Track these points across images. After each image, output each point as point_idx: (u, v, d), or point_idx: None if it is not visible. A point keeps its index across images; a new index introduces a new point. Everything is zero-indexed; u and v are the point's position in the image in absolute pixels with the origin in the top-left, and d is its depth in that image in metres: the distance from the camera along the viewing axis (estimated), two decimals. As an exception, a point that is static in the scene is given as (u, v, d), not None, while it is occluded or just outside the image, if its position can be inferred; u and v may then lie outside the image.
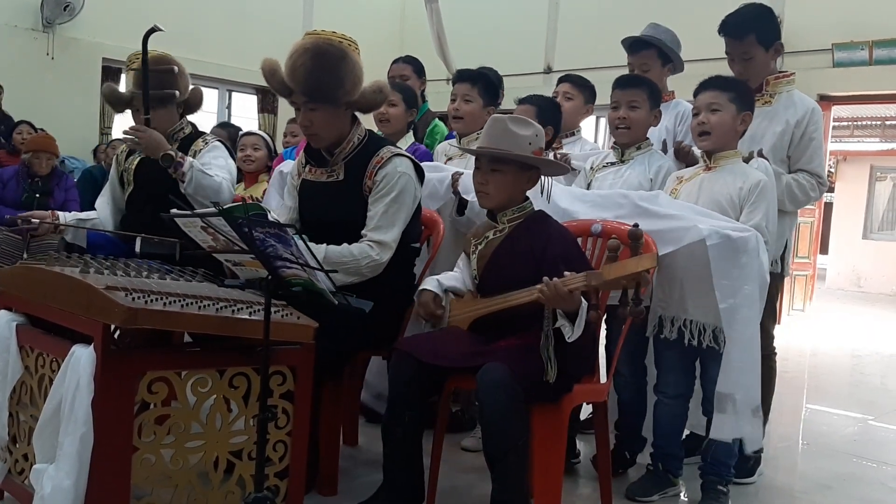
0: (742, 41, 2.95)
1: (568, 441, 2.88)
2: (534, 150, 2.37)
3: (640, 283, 2.11)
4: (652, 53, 3.27)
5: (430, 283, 2.52)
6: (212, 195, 2.85)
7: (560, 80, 3.72)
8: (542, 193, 2.49)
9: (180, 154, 2.88)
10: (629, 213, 2.56)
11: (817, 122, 2.97)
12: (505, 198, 2.43)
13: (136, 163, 3.05)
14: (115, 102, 3.09)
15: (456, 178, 2.98)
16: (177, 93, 2.92)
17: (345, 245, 2.49)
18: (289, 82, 2.52)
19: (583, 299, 2.17)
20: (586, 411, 3.34)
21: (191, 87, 3.17)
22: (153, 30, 2.81)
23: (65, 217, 3.04)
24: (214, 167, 2.96)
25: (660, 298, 2.69)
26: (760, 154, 2.81)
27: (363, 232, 2.54)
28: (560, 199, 2.70)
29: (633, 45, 3.31)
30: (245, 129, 4.99)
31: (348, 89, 2.52)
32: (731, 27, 2.97)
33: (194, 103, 3.19)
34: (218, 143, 3.09)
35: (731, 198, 2.63)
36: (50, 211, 3.08)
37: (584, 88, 3.65)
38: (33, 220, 2.90)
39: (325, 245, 2.46)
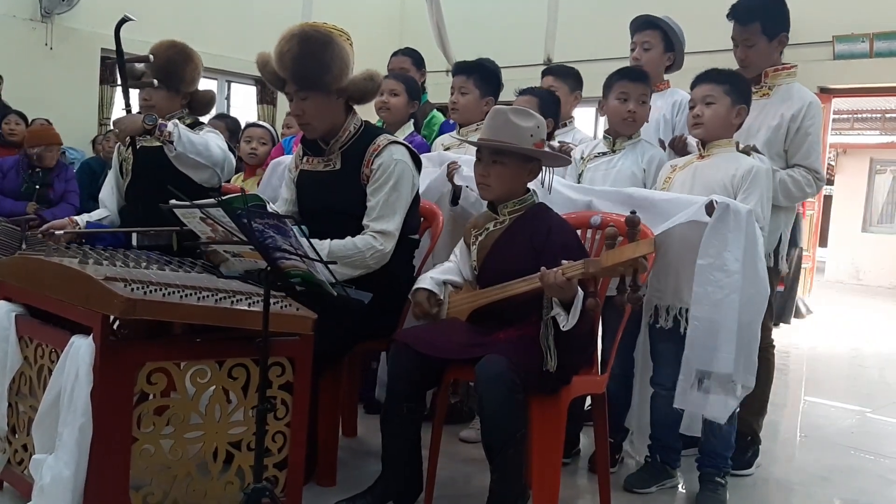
0: (746, 27, 2.97)
1: (570, 434, 2.90)
2: (535, 142, 2.37)
3: (638, 270, 2.10)
4: (657, 34, 3.27)
5: (424, 282, 2.51)
6: (202, 150, 2.83)
7: (543, 74, 3.75)
8: (542, 185, 2.48)
9: (164, 118, 2.88)
10: (629, 205, 2.57)
11: (814, 116, 2.94)
12: (506, 190, 2.42)
13: (133, 153, 3.04)
14: (129, 76, 3.10)
15: (452, 167, 2.97)
16: (154, 82, 2.92)
17: (348, 238, 2.49)
18: (278, 69, 2.53)
19: (579, 288, 2.17)
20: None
21: (202, 87, 3.16)
22: (124, 20, 2.81)
23: (83, 221, 3.03)
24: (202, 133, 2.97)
25: (655, 288, 2.69)
26: (755, 149, 2.80)
27: (365, 223, 2.54)
28: (563, 190, 2.71)
29: (640, 25, 3.31)
30: (244, 119, 4.98)
31: (336, 74, 2.51)
32: (739, 12, 3.00)
33: (204, 103, 3.19)
34: (212, 129, 3.10)
35: (725, 185, 2.63)
36: (68, 218, 3.07)
37: (567, 77, 3.66)
38: (56, 231, 2.88)
39: (328, 241, 2.46)
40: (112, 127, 2.95)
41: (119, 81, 3.08)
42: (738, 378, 2.46)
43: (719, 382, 2.44)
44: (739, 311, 2.42)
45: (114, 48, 2.94)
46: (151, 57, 2.90)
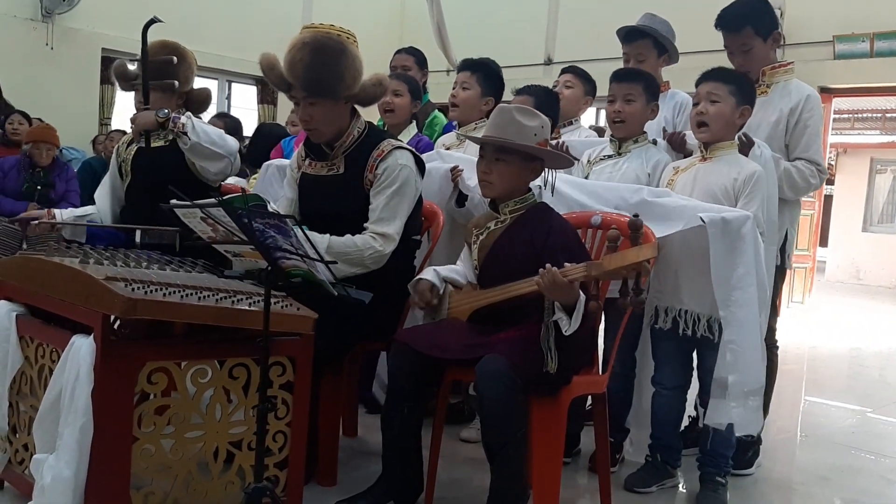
0: (739, 33, 2.95)
1: (571, 434, 2.90)
2: (538, 142, 2.37)
3: (641, 273, 2.10)
4: (647, 43, 3.25)
5: (427, 273, 2.52)
6: (217, 139, 2.84)
7: (563, 71, 3.76)
8: (544, 186, 2.48)
9: (174, 112, 2.88)
10: (632, 205, 2.56)
11: (812, 109, 2.95)
12: (508, 188, 2.42)
13: (133, 153, 3.05)
14: (122, 79, 3.10)
15: (455, 173, 2.97)
16: (175, 83, 2.92)
17: (348, 236, 2.49)
18: (288, 77, 2.51)
19: (581, 292, 2.16)
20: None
21: (196, 85, 3.16)
22: (153, 21, 2.81)
23: (61, 214, 3.03)
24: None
25: (655, 289, 2.69)
26: (746, 136, 2.79)
27: (365, 224, 2.54)
28: (565, 188, 2.70)
29: (629, 35, 3.30)
30: (244, 119, 4.98)
31: (349, 83, 2.51)
32: (727, 20, 2.98)
33: (200, 102, 3.18)
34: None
35: (726, 188, 2.62)
36: (46, 210, 3.07)
37: (586, 80, 3.67)
38: (31, 220, 2.89)
39: (328, 235, 2.46)
40: (130, 123, 2.93)
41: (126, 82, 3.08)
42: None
43: (756, 394, 2.49)
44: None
45: (114, 48, 2.96)
46: (175, 59, 2.90)
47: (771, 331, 3.01)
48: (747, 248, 2.42)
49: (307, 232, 2.40)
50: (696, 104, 2.72)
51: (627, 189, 2.67)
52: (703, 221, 2.41)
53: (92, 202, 3.18)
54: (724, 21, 2.98)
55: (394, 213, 2.54)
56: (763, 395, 2.52)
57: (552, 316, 2.19)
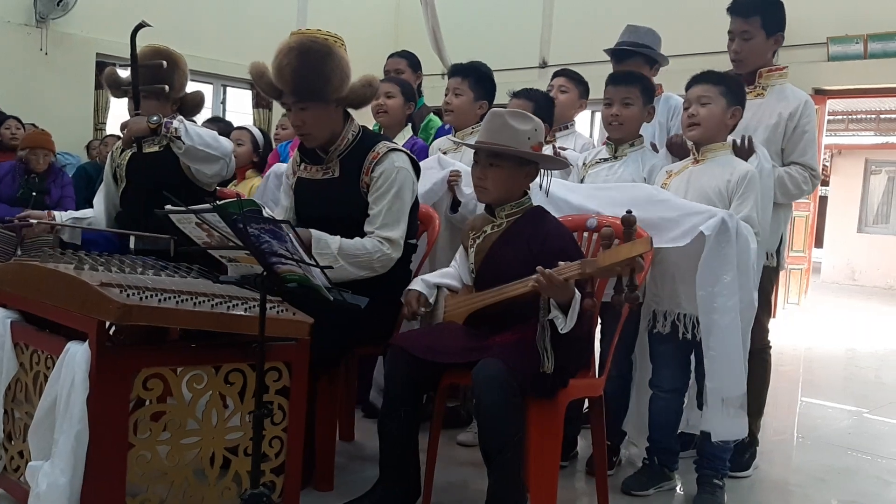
0: (747, 20, 2.98)
1: (568, 437, 2.90)
2: (532, 145, 2.37)
3: (635, 269, 2.10)
4: (638, 60, 3.28)
5: (416, 284, 2.53)
6: (211, 141, 2.83)
7: (555, 74, 3.77)
8: (540, 188, 2.48)
9: (167, 117, 2.88)
10: (640, 201, 2.56)
11: (810, 114, 2.97)
12: (503, 193, 2.42)
13: (127, 158, 3.04)
14: (113, 86, 3.09)
15: (454, 176, 2.97)
16: (166, 87, 2.91)
17: (357, 238, 2.51)
18: (277, 83, 2.52)
19: (576, 291, 2.16)
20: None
21: (190, 88, 3.15)
22: (141, 25, 2.80)
23: (61, 217, 3.03)
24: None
25: (653, 293, 2.70)
26: (750, 141, 2.79)
27: (369, 229, 2.54)
28: (564, 193, 2.70)
29: (618, 55, 3.32)
30: (239, 124, 4.97)
31: (336, 86, 2.51)
32: (741, 5, 3.01)
33: (194, 105, 3.18)
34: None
35: (720, 190, 2.63)
36: (46, 211, 3.06)
37: (579, 83, 3.68)
38: (31, 219, 2.89)
39: (339, 237, 2.47)
40: (120, 130, 2.93)
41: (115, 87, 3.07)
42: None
43: (740, 404, 2.50)
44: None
45: (109, 53, 2.95)
46: (164, 63, 2.89)
47: (765, 332, 3.02)
48: (735, 254, 2.43)
49: (318, 232, 2.41)
50: (686, 108, 2.73)
51: (625, 190, 2.68)
52: (704, 234, 2.41)
53: (87, 207, 3.18)
54: (738, 5, 3.02)
55: (397, 217, 2.55)
56: (745, 402, 2.52)
57: (548, 314, 2.19)
